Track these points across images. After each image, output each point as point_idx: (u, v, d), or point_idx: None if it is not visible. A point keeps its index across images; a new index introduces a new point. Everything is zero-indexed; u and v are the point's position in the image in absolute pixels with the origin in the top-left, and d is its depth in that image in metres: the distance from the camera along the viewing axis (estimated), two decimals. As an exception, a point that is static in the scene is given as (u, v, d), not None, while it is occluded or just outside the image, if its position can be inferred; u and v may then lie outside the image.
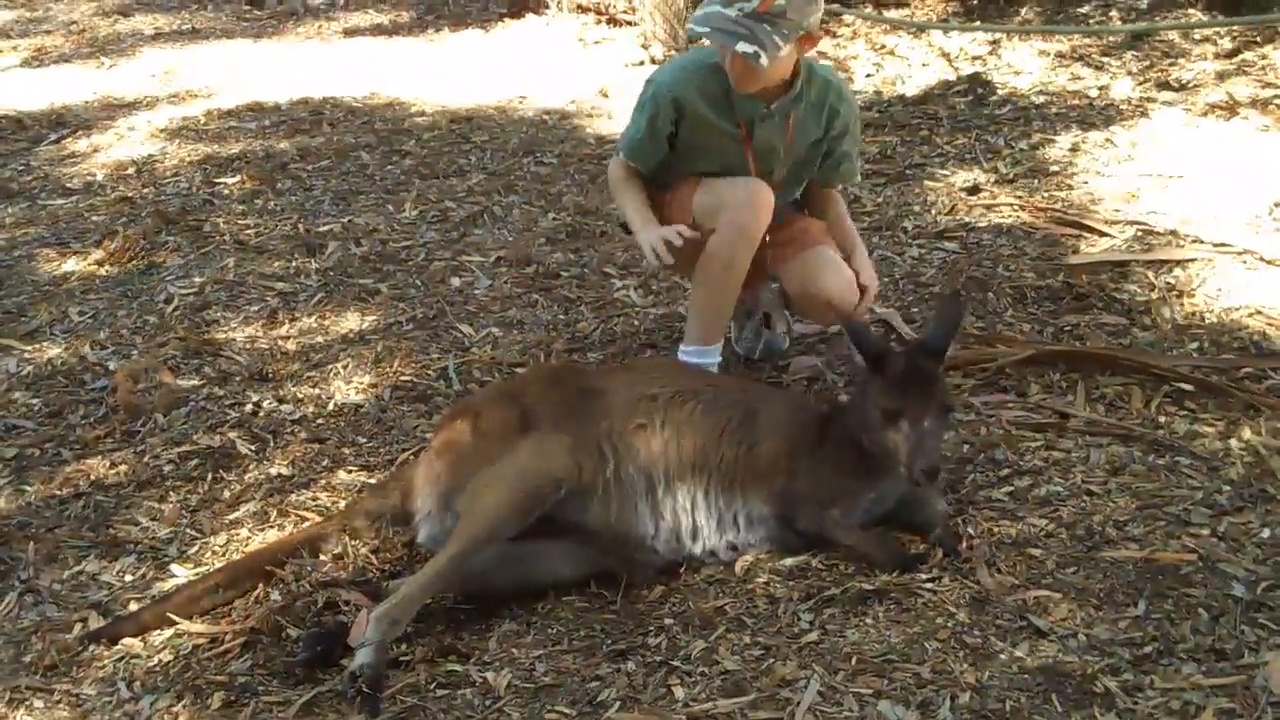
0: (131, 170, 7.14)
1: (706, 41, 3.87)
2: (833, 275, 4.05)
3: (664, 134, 4.04)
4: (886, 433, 3.22)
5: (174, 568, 3.56)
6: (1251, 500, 3.39)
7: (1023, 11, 8.91)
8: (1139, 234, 5.22)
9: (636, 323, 4.89)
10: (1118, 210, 5.49)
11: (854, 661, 2.85)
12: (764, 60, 3.64)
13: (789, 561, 3.29)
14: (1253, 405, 3.85)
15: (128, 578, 3.55)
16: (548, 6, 10.08)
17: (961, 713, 2.69)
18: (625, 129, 4.19)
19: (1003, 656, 2.83)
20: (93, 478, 4.04)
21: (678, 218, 4.03)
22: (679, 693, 2.84)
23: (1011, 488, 3.54)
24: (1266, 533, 3.24)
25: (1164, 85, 7.14)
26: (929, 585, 3.10)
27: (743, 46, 3.64)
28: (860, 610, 3.05)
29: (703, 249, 3.98)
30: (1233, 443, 3.68)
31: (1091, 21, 8.68)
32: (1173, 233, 5.19)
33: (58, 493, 3.98)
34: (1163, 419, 3.84)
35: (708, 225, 3.95)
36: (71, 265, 5.81)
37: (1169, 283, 4.75)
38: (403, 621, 3.06)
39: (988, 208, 5.66)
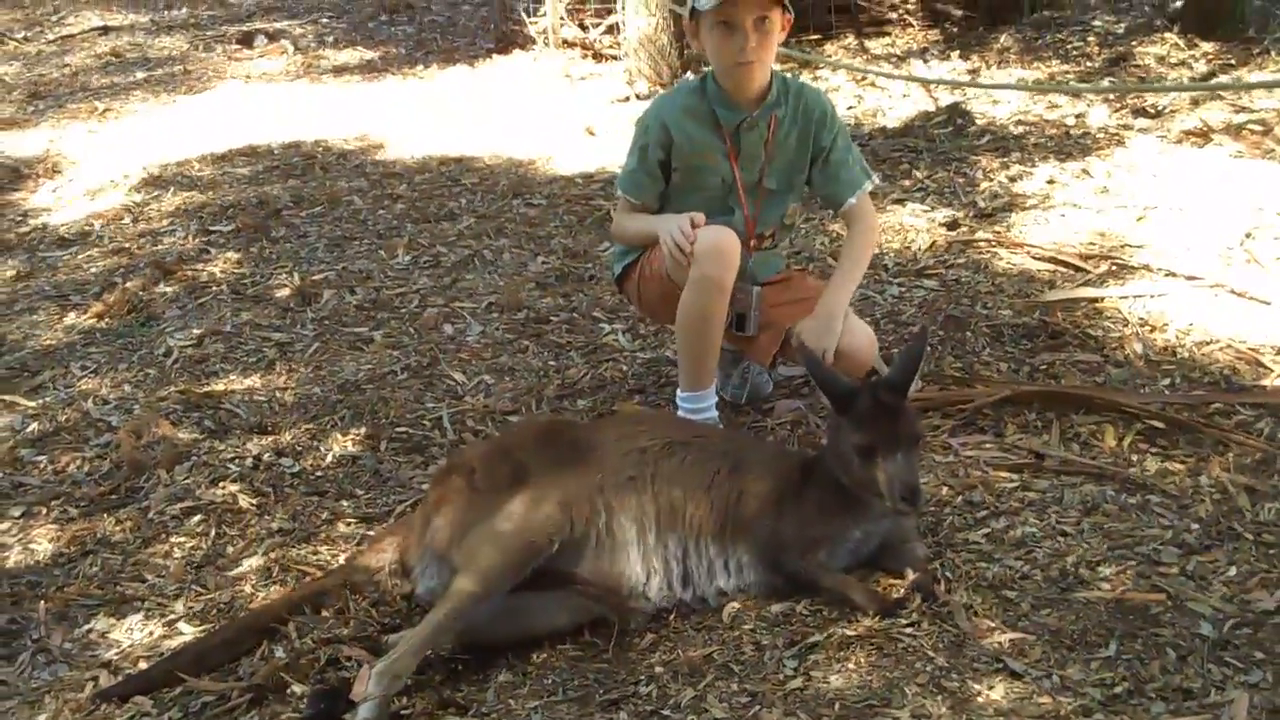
0: (127, 219, 7.25)
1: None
2: (853, 333, 4.15)
3: (656, 162, 4.22)
4: (863, 469, 3.33)
5: (181, 625, 3.64)
6: (1219, 538, 3.50)
7: (1001, 39, 9.08)
8: (1113, 268, 5.35)
9: (625, 368, 5.01)
10: (1092, 244, 5.63)
11: (837, 707, 2.94)
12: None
13: (775, 608, 3.38)
14: (1222, 441, 3.97)
15: (136, 635, 3.62)
16: (534, 42, 10.21)
17: (939, 756, 2.80)
18: (622, 168, 4.37)
19: (979, 699, 2.93)
20: (99, 535, 4.11)
21: (651, 275, 4.27)
22: (669, 742, 2.94)
23: (988, 529, 3.64)
24: (1233, 570, 3.34)
25: (1140, 112, 7.30)
26: (909, 630, 3.19)
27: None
28: (842, 656, 3.13)
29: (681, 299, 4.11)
30: (1202, 479, 3.79)
31: (1069, 47, 8.85)
32: (1146, 266, 5.33)
33: (66, 550, 4.05)
34: (1135, 457, 3.96)
35: (679, 280, 4.08)
36: (72, 319, 5.91)
37: (1142, 318, 4.89)
38: (403, 676, 3.14)
39: (966, 244, 5.79)
